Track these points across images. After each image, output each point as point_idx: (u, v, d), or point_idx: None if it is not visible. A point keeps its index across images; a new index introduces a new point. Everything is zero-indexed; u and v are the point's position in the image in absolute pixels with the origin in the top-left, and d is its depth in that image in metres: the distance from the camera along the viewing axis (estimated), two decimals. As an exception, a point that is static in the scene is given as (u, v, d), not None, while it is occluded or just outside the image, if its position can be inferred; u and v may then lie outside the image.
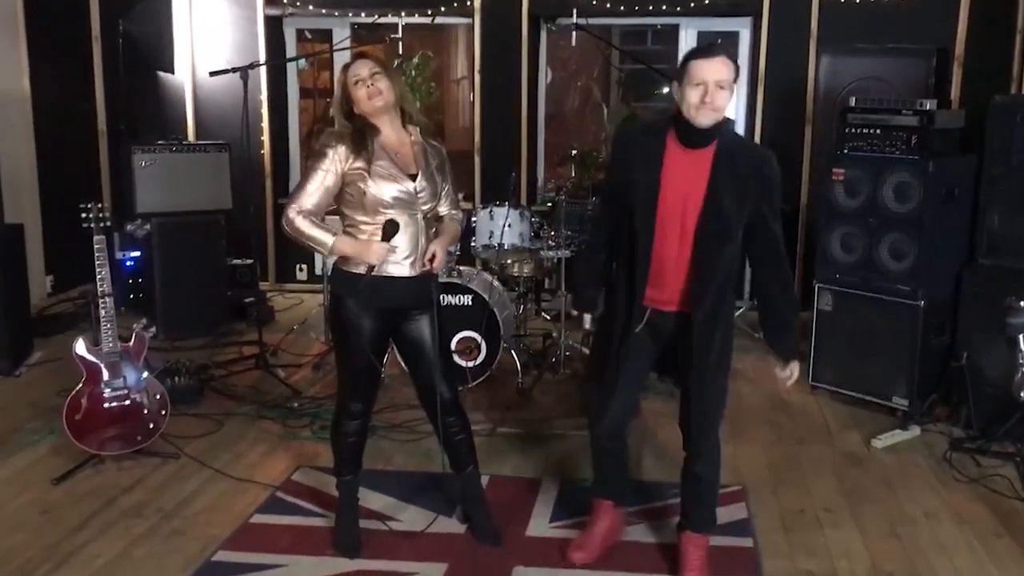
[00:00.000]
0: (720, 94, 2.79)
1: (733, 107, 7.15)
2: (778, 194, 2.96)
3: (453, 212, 3.33)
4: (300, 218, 3.08)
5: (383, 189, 3.06)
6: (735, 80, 2.84)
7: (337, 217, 3.20)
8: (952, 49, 6.10)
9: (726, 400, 3.16)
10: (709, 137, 2.87)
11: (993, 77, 5.91)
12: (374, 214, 3.08)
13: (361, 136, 3.08)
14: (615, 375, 3.09)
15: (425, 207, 3.15)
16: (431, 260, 3.14)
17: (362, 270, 3.08)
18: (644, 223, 2.91)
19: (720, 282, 2.95)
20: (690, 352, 3.00)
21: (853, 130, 4.75)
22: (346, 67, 3.15)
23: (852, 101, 4.85)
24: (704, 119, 2.81)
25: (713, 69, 2.78)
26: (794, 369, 3.09)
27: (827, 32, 6.37)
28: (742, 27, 6.87)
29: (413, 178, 3.12)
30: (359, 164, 3.06)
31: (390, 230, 3.05)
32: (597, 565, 3.25)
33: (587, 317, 3.16)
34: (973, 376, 4.45)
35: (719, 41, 6.97)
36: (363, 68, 3.10)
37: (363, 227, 3.11)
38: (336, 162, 3.07)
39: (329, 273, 3.28)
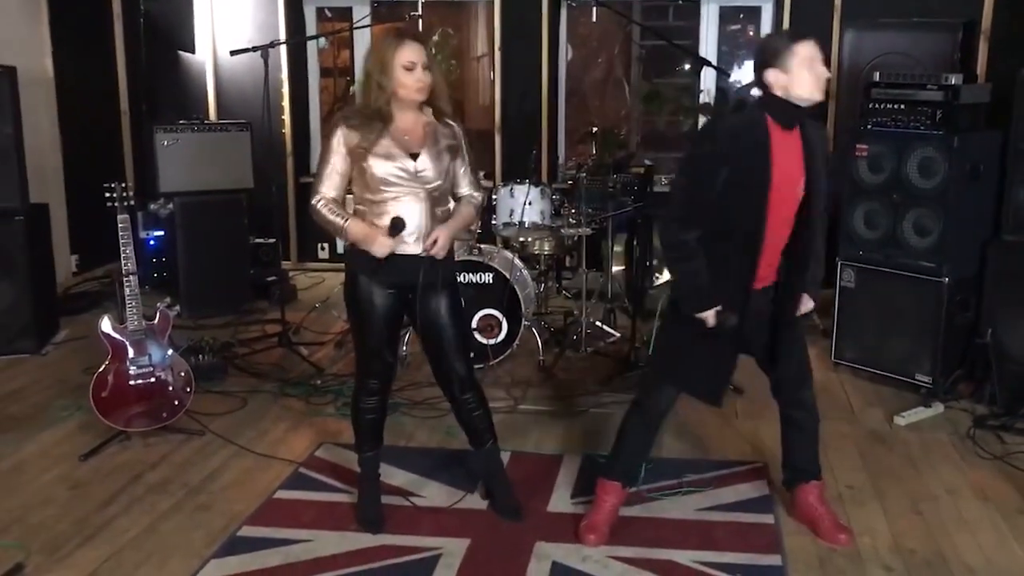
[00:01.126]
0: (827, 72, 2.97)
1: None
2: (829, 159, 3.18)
3: (474, 194, 3.32)
4: (320, 205, 3.14)
5: (382, 167, 3.07)
6: None
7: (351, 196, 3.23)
8: (979, 23, 6.01)
9: None
10: (802, 115, 3.01)
11: (1021, 51, 5.82)
12: (376, 192, 3.10)
13: (373, 119, 3.07)
14: (723, 366, 3.21)
15: (429, 186, 3.14)
16: (433, 244, 3.13)
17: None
18: (760, 206, 2.97)
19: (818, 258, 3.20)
20: (783, 315, 3.17)
21: (877, 105, 4.70)
22: (396, 42, 3.03)
23: (876, 76, 4.80)
24: (821, 95, 2.97)
25: (817, 49, 2.94)
26: (808, 304, 3.21)
27: (851, 6, 6.29)
28: (764, 2, 6.80)
29: (415, 157, 3.11)
30: (361, 143, 3.07)
31: (397, 226, 3.07)
32: (618, 541, 3.27)
33: (711, 313, 3.06)
34: (997, 353, 4.42)
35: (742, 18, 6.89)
36: (418, 55, 3.04)
37: (369, 204, 3.13)
38: (341, 143, 3.10)
39: (344, 252, 3.30)
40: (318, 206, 3.14)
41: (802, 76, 2.90)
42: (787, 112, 2.97)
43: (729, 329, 3.06)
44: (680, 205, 3.09)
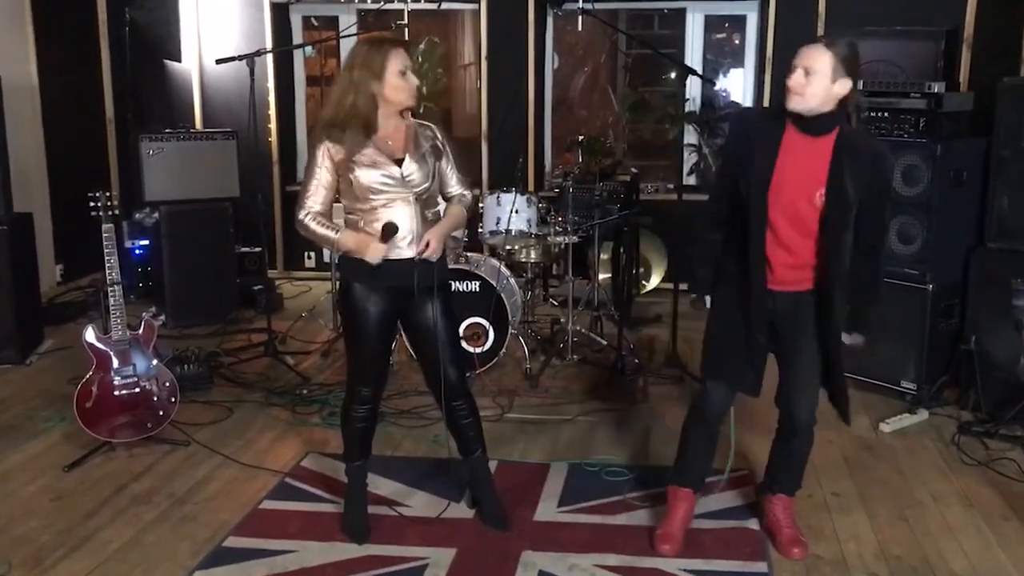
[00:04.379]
0: (812, 79, 2.86)
1: (741, 90, 7.14)
2: (890, 187, 3.07)
3: (464, 192, 3.34)
4: (308, 219, 3.15)
5: (368, 176, 3.08)
6: (837, 69, 2.87)
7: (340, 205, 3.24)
8: (961, 31, 6.06)
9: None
10: (826, 125, 2.93)
11: (1002, 59, 5.87)
12: (365, 201, 3.11)
13: (356, 129, 3.08)
14: (748, 356, 3.12)
15: (417, 189, 3.15)
16: (425, 247, 3.14)
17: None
18: (758, 202, 2.96)
19: (843, 267, 3.02)
20: (812, 331, 3.09)
21: (861, 113, 4.71)
22: (388, 48, 3.07)
23: (860, 84, 4.81)
24: (790, 103, 2.90)
25: (805, 55, 2.87)
26: (855, 339, 3.16)
27: (835, 14, 6.33)
28: (749, 11, 6.84)
29: (399, 163, 3.12)
30: (345, 155, 3.08)
31: (389, 231, 3.08)
32: (604, 549, 3.27)
33: (708, 299, 3.12)
34: (981, 359, 4.44)
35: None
36: (407, 61, 3.09)
37: (360, 214, 3.14)
38: (326, 156, 3.11)
39: (336, 261, 3.30)
40: (306, 220, 3.15)
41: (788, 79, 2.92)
42: (795, 115, 2.94)
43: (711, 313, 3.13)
44: (712, 183, 3.18)
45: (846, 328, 3.12)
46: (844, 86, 2.89)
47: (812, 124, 2.93)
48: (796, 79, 2.88)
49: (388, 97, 3.08)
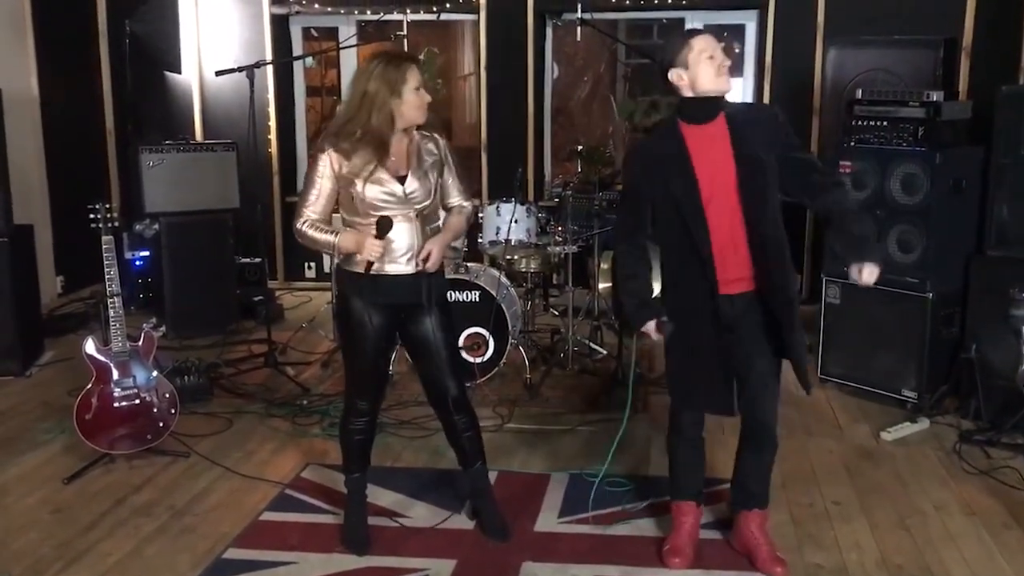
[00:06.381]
0: (727, 60, 2.96)
1: (740, 99, 7.13)
2: (791, 130, 3.06)
3: (463, 204, 3.34)
4: (306, 227, 3.15)
5: (371, 192, 3.08)
6: None
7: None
8: (959, 40, 6.07)
9: None
10: (718, 107, 2.99)
11: (1001, 67, 5.88)
12: (365, 216, 3.11)
13: (365, 144, 3.07)
14: (708, 363, 3.10)
15: (419, 206, 3.15)
16: (425, 259, 3.14)
17: (362, 268, 3.10)
18: (694, 211, 2.96)
19: (780, 242, 3.02)
20: (766, 329, 3.07)
21: (860, 122, 4.73)
22: (406, 65, 3.07)
23: (859, 93, 4.84)
24: (726, 84, 2.96)
25: (713, 41, 2.95)
26: (870, 270, 3.09)
27: (834, 24, 6.35)
28: (748, 20, 6.85)
29: (402, 180, 3.12)
30: (349, 169, 3.08)
31: (384, 226, 3.06)
32: (604, 559, 3.26)
33: (651, 325, 3.07)
34: (982, 368, 4.43)
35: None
36: (420, 76, 3.09)
37: (359, 227, 3.14)
38: (329, 166, 3.10)
39: (336, 272, 3.30)
40: (304, 228, 3.15)
41: (702, 68, 2.92)
42: (697, 108, 2.98)
43: (670, 336, 3.06)
44: (616, 225, 3.25)
45: (857, 259, 3.09)
46: None
47: (708, 108, 2.97)
48: (727, 60, 2.95)
49: (404, 114, 3.08)
